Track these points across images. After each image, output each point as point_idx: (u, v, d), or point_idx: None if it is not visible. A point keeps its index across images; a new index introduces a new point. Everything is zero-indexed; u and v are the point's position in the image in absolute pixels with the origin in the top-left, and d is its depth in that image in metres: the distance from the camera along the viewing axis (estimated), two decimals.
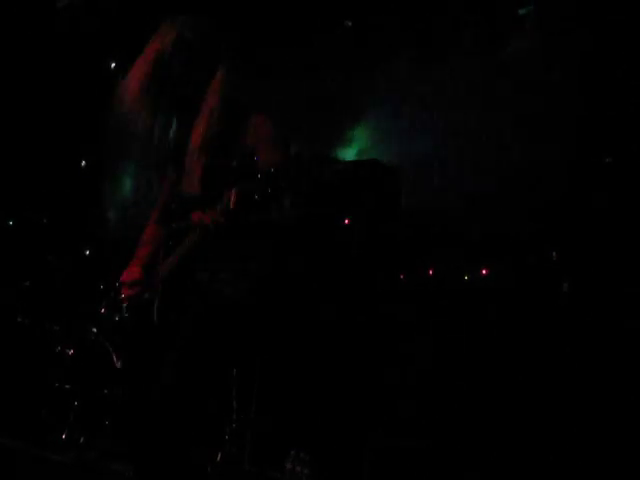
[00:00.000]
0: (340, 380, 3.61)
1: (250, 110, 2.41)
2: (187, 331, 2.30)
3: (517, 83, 4.22)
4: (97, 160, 6.09)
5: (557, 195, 3.79)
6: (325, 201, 3.83)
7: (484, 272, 3.68)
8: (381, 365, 3.62)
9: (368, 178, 3.86)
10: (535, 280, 3.55)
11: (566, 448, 3.20)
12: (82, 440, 3.99)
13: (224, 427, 3.38)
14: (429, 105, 4.53)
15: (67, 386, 4.22)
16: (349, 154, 3.90)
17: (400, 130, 4.58)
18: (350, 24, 5.01)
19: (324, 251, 3.78)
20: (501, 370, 3.44)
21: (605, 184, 3.65)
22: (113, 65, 6.02)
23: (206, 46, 2.42)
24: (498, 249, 3.76)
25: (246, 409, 3.43)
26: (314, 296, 3.71)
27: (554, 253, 3.61)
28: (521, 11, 4.15)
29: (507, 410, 3.35)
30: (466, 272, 3.71)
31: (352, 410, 3.57)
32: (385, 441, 3.46)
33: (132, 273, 2.51)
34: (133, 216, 2.81)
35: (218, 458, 3.40)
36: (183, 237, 2.38)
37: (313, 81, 4.98)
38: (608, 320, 3.31)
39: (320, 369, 3.63)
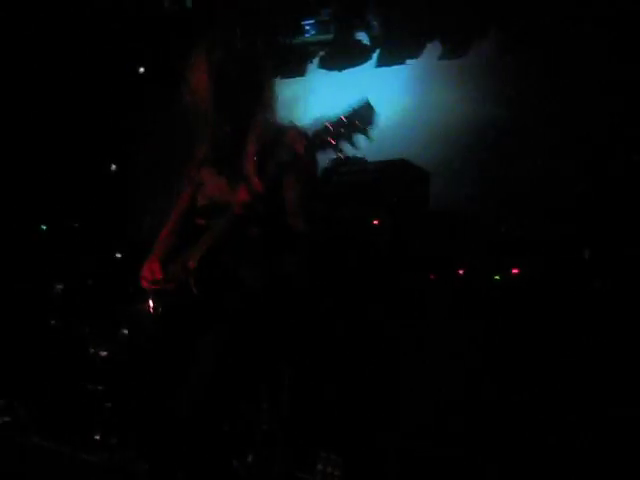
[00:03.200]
0: (372, 381, 3.59)
1: (287, 124, 2.42)
2: (216, 330, 2.31)
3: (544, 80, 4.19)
4: (128, 163, 6.15)
5: (589, 193, 3.75)
6: (354, 202, 3.82)
7: (515, 271, 3.64)
8: (413, 367, 3.59)
9: (397, 178, 3.84)
10: (566, 279, 3.51)
11: (613, 455, 3.14)
12: (114, 441, 4.02)
13: (255, 428, 3.38)
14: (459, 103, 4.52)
15: (100, 387, 4.26)
16: (377, 154, 3.89)
17: (429, 128, 4.57)
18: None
19: (354, 252, 3.77)
20: (534, 371, 3.40)
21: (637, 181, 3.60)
22: (142, 70, 6.06)
23: (256, 59, 2.50)
24: (529, 248, 3.72)
25: (276, 410, 3.43)
26: (343, 297, 3.70)
27: (586, 251, 3.56)
28: None
29: (542, 415, 3.31)
30: (496, 272, 3.67)
31: (383, 412, 3.55)
32: (415, 444, 3.44)
33: (149, 266, 2.53)
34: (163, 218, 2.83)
35: (249, 460, 3.40)
36: (210, 228, 2.39)
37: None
38: None
39: (351, 370, 3.61)
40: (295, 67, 5.25)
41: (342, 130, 2.10)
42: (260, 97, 2.47)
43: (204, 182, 2.58)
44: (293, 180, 2.39)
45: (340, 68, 5.10)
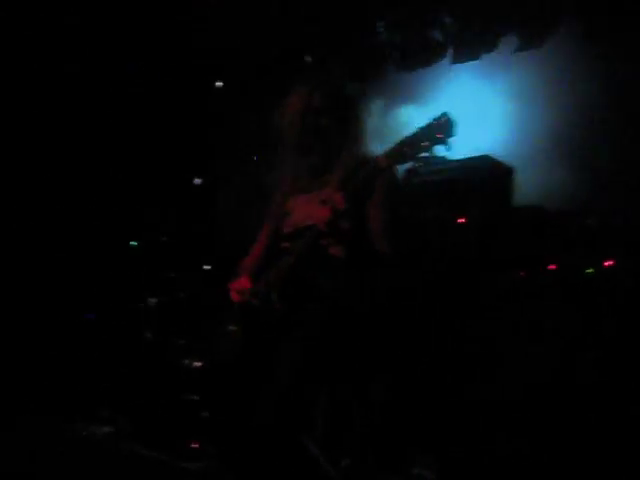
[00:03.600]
0: (466, 383, 3.54)
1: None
2: (299, 339, 2.32)
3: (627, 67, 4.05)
4: (214, 177, 6.28)
5: None
6: (437, 201, 3.78)
7: (607, 264, 3.52)
8: (506, 366, 3.52)
9: (480, 174, 3.78)
10: None
11: None
12: (212, 449, 4.10)
13: (348, 433, 3.38)
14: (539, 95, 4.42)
15: (195, 397, 4.36)
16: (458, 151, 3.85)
17: (510, 122, 4.49)
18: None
19: (441, 252, 3.73)
20: (633, 369, 3.27)
21: None
22: (219, 84, 6.18)
23: (347, 94, 2.63)
24: (621, 240, 3.59)
25: (369, 414, 3.42)
26: (435, 298, 3.66)
27: None
28: None
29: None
30: (588, 265, 3.55)
31: (478, 413, 3.49)
32: (511, 446, 3.36)
33: (239, 280, 2.58)
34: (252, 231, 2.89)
35: (343, 465, 3.41)
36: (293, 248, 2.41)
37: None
38: None
39: (445, 372, 3.57)
40: (372, 70, 5.26)
41: (422, 143, 2.11)
42: (349, 131, 2.56)
43: (290, 211, 2.63)
44: (378, 202, 2.42)
45: (415, 68, 5.07)
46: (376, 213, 2.43)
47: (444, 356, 3.56)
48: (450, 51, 4.87)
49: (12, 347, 5.25)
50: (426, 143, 2.11)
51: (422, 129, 2.14)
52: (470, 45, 4.76)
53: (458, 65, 4.85)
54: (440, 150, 2.15)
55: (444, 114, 2.12)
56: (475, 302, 3.60)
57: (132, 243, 5.83)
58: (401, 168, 2.63)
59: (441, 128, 2.11)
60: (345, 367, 2.51)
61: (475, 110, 4.58)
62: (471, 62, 4.80)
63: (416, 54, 5.01)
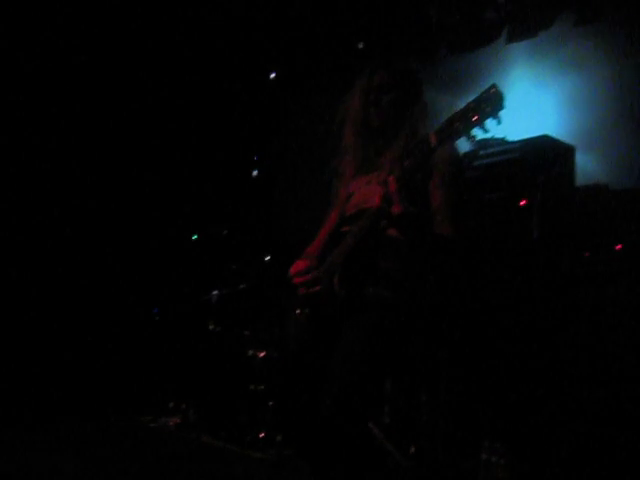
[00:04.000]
0: (533, 367, 3.48)
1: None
2: (361, 323, 2.31)
3: None
4: (271, 169, 6.32)
5: None
6: (498, 184, 3.72)
7: None
8: (576, 351, 3.45)
9: (541, 154, 3.70)
10: None
11: None
12: (279, 438, 4.14)
13: (415, 420, 3.38)
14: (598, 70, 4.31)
15: (261, 387, 4.40)
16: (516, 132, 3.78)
17: (568, 100, 4.38)
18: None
19: (504, 235, 3.67)
20: None
21: None
22: (273, 75, 6.21)
23: (408, 79, 2.60)
24: None
25: (436, 401, 3.41)
26: (498, 281, 3.61)
27: None
28: None
29: None
30: None
31: (547, 397, 3.44)
32: (584, 431, 3.30)
33: (298, 266, 2.58)
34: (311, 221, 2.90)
35: (411, 451, 3.40)
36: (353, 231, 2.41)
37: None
38: None
39: (510, 356, 3.52)
40: (425, 52, 5.20)
41: (472, 117, 2.07)
42: (410, 110, 2.56)
43: (352, 193, 2.63)
44: (438, 183, 2.40)
45: (469, 49, 5.00)
46: (437, 194, 2.40)
47: (511, 341, 3.52)
48: (505, 30, 4.78)
49: (85, 344, 5.40)
50: (476, 117, 2.07)
51: (471, 103, 2.10)
52: (526, 23, 4.67)
53: (513, 44, 4.77)
54: (491, 124, 2.09)
55: (492, 85, 2.07)
56: (539, 286, 3.54)
57: (193, 237, 5.92)
58: (460, 151, 2.60)
59: (490, 101, 2.05)
60: (411, 352, 2.49)
61: (532, 89, 4.49)
62: (526, 40, 4.71)
63: (470, 35, 4.93)
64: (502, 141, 3.75)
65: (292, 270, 2.59)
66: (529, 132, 3.79)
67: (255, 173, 6.14)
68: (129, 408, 5.08)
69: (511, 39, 4.78)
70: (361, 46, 5.47)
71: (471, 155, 3.74)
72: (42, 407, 4.75)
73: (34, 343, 5.15)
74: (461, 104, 2.13)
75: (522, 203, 3.60)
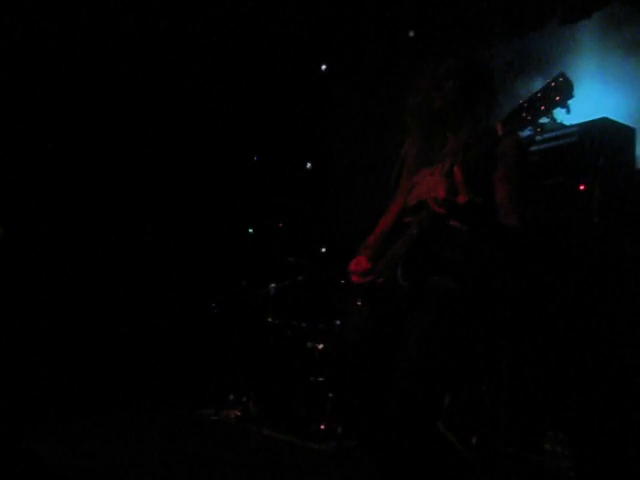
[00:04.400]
0: (597, 356, 3.40)
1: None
2: (426, 315, 2.29)
3: None
4: (326, 160, 6.32)
5: None
6: (557, 168, 3.64)
7: None
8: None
9: (600, 138, 3.61)
10: None
11: None
12: (340, 430, 4.15)
13: (477, 411, 3.34)
14: None
15: (320, 379, 4.42)
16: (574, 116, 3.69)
17: (629, 81, 4.26)
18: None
19: (564, 221, 3.60)
20: None
21: None
22: (324, 67, 6.20)
23: (475, 73, 2.56)
24: None
25: (498, 391, 3.37)
26: (559, 269, 3.54)
27: None
28: None
29: None
30: None
31: (613, 386, 3.36)
32: None
33: (358, 261, 2.57)
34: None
35: (473, 442, 3.37)
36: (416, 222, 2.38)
37: None
38: None
39: (574, 345, 3.45)
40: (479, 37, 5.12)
41: (540, 107, 2.02)
42: (473, 109, 2.53)
43: (415, 184, 2.61)
44: (504, 174, 2.36)
45: (524, 33, 4.90)
46: (502, 186, 2.36)
47: (575, 329, 3.44)
48: (560, 12, 4.67)
49: (147, 338, 5.51)
50: (544, 107, 2.02)
51: (539, 92, 2.05)
52: (581, 3, 4.55)
53: (570, 26, 4.66)
54: (560, 113, 2.05)
55: (561, 74, 2.02)
56: (602, 272, 3.45)
57: (249, 230, 5.96)
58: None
59: (558, 90, 2.01)
60: (476, 343, 2.45)
61: (591, 71, 4.38)
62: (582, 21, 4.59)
63: (523, 17, 4.84)
64: (560, 125, 3.66)
65: (352, 266, 2.58)
66: (587, 115, 3.70)
67: (309, 165, 6.15)
68: (190, 401, 5.16)
69: (565, 21, 4.67)
70: (412, 34, 5.42)
71: (528, 140, 3.67)
72: (106, 401, 4.85)
73: (97, 337, 5.27)
74: (516, 89, 2.10)
75: (581, 188, 3.52)
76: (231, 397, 5.12)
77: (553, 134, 3.68)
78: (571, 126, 3.67)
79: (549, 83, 2.02)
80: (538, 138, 3.65)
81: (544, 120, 2.05)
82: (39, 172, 5.06)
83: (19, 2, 4.88)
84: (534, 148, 3.68)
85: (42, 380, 4.66)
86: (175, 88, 5.80)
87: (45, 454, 3.41)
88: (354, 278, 2.53)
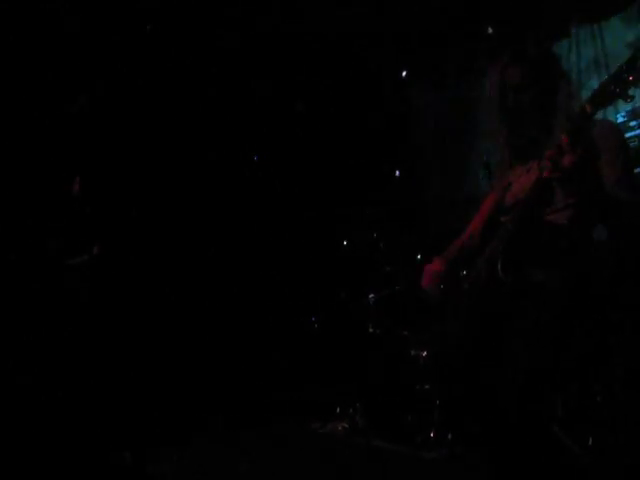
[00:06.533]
0: None
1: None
2: (531, 314, 2.24)
3: None
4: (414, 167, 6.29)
5: None
6: None
7: None
8: None
9: None
10: None
11: None
12: (450, 436, 4.09)
13: (592, 417, 3.23)
14: None
15: (427, 386, 4.37)
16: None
17: None
18: None
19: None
20: None
21: None
22: (405, 74, 6.19)
23: (549, 65, 2.55)
24: None
25: (612, 396, 3.24)
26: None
27: None
28: None
29: None
30: None
31: None
32: None
33: (434, 264, 2.55)
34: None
35: (589, 445, 3.25)
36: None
37: None
38: None
39: None
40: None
41: (628, 77, 1.97)
42: (555, 100, 2.49)
43: (511, 183, 2.59)
44: (607, 159, 2.29)
45: (600, 18, 4.77)
46: (610, 169, 2.27)
47: None
48: None
49: (254, 354, 5.60)
50: (632, 77, 1.96)
51: (623, 65, 2.00)
52: None
53: None
54: None
55: None
56: None
57: (344, 242, 5.99)
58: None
59: None
60: (586, 340, 2.38)
61: None
62: None
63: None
64: None
65: (425, 267, 2.57)
66: None
67: (398, 173, 6.13)
68: (298, 416, 5.20)
69: None
70: (490, 31, 5.34)
71: (634, 112, 3.56)
72: (215, 417, 4.95)
73: (204, 357, 5.39)
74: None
75: None
76: (338, 410, 5.13)
77: None
78: None
79: (634, 54, 1.97)
80: (631, 123, 3.54)
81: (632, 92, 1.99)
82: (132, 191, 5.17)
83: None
84: (629, 134, 3.56)
85: (158, 404, 4.79)
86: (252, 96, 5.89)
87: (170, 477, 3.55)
88: (425, 280, 2.52)
